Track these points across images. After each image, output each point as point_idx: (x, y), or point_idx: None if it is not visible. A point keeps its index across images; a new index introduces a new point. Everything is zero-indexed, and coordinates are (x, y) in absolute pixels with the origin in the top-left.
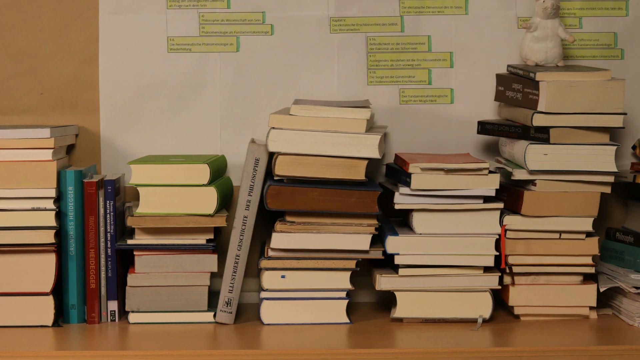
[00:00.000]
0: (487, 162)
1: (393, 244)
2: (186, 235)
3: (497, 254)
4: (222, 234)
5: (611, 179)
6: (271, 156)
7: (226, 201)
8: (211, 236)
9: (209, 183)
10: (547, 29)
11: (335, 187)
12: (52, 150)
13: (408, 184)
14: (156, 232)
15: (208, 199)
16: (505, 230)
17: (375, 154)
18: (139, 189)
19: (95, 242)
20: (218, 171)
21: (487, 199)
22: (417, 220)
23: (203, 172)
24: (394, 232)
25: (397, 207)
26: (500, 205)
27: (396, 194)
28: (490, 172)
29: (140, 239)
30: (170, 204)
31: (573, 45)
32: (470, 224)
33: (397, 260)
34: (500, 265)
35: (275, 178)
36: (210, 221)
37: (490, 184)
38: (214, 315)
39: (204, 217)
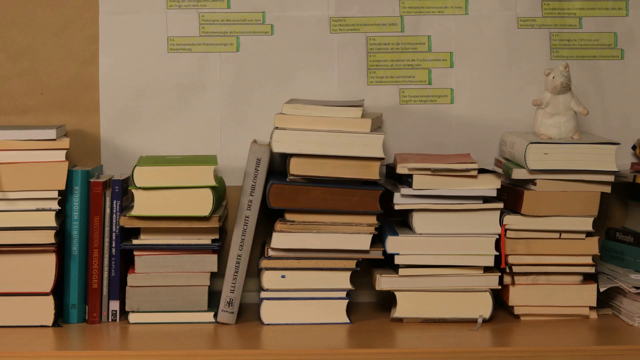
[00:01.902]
0: (477, 162)
1: (393, 244)
2: (192, 236)
3: (497, 254)
4: (223, 233)
5: (611, 178)
6: (274, 156)
7: (220, 201)
8: (216, 236)
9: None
10: (559, 104)
11: (338, 186)
12: (65, 151)
13: (409, 184)
14: (162, 232)
15: (204, 201)
16: (505, 230)
17: (380, 154)
18: (133, 191)
19: (99, 242)
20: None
21: (487, 199)
22: (417, 220)
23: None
24: (394, 232)
25: (396, 207)
26: (500, 205)
27: (396, 194)
28: (488, 172)
29: (145, 238)
30: (164, 206)
31: (573, 46)
32: (470, 224)
33: (397, 260)
34: (500, 265)
35: (290, 178)
36: (204, 223)
37: (491, 184)
38: (215, 315)
39: (198, 219)
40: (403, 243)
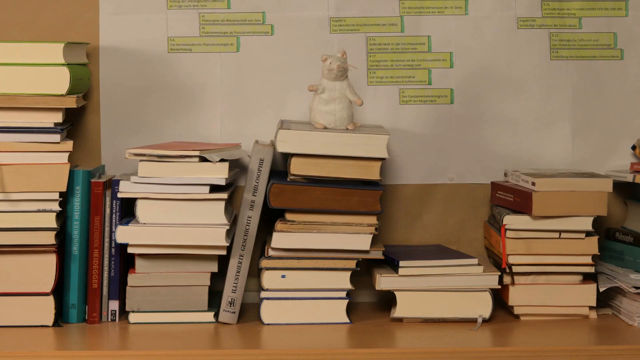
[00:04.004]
0: (198, 150)
1: (123, 233)
2: (34, 117)
3: (227, 244)
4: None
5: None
6: (276, 156)
7: (82, 86)
8: (60, 119)
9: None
10: (335, 91)
11: (338, 186)
12: (67, 154)
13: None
14: (5, 112)
15: (61, 79)
16: (505, 230)
17: (384, 154)
18: None
19: (99, 242)
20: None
21: (215, 189)
22: (140, 208)
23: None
24: (126, 222)
25: (119, 195)
26: (224, 195)
27: (121, 182)
28: (223, 161)
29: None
30: (20, 83)
31: (573, 46)
32: (197, 214)
33: (130, 250)
34: (501, 266)
35: (291, 178)
36: (59, 102)
37: (218, 173)
38: (215, 315)
39: (54, 97)
40: (132, 233)
